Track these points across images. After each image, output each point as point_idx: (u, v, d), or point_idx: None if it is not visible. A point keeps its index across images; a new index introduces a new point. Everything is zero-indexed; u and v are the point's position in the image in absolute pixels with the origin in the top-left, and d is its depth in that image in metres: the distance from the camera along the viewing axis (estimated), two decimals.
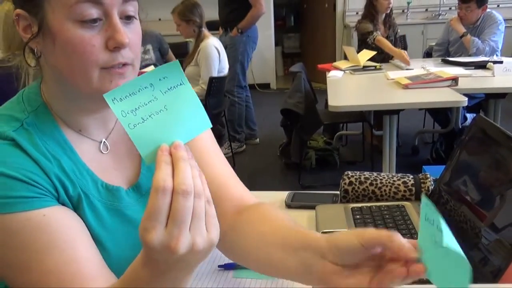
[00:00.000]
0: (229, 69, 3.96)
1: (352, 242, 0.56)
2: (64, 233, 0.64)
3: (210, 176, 0.77)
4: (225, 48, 3.97)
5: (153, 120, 0.51)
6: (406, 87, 2.73)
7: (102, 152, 0.76)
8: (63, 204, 0.68)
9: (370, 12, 3.88)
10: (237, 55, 3.95)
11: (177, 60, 0.54)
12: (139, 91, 0.51)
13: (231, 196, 0.80)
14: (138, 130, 0.51)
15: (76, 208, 0.70)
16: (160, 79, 0.52)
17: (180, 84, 0.53)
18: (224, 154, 0.79)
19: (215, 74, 3.49)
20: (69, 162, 0.70)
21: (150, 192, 0.49)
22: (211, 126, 0.55)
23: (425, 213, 0.51)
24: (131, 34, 0.67)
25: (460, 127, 3.57)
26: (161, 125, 0.52)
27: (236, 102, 4.08)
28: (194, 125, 0.54)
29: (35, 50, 0.69)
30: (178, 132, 0.53)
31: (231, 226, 0.76)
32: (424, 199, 0.51)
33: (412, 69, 3.33)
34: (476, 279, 0.80)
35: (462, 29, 3.73)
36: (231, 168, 0.85)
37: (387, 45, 3.76)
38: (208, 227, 0.52)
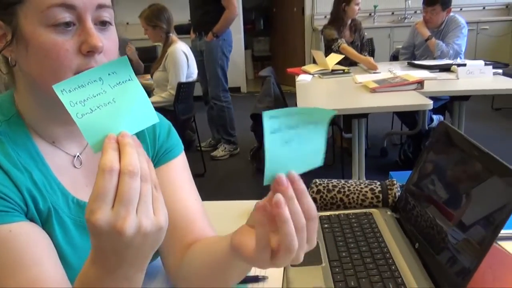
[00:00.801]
0: (211, 75, 3.93)
1: None
2: (30, 250, 0.62)
3: (180, 209, 0.79)
4: (201, 53, 3.93)
5: (101, 111, 0.53)
6: (373, 90, 2.76)
7: (75, 167, 0.75)
8: (31, 219, 0.66)
9: (339, 17, 3.91)
10: (217, 60, 3.92)
11: (126, 56, 0.56)
12: (88, 84, 0.53)
13: (195, 231, 0.80)
14: (86, 119, 0.52)
15: (45, 223, 0.68)
16: (109, 74, 0.54)
17: (129, 80, 0.54)
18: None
19: (183, 79, 3.44)
20: (40, 175, 0.69)
21: (96, 174, 0.49)
22: (158, 120, 0.56)
23: (270, 127, 0.52)
24: (105, 40, 0.66)
25: (427, 128, 3.65)
26: (109, 116, 0.53)
27: (225, 107, 4.06)
28: (141, 118, 0.55)
29: (9, 58, 0.68)
30: (125, 123, 0.54)
31: (184, 258, 0.77)
32: (264, 113, 0.51)
33: (379, 72, 3.38)
34: (444, 284, 0.81)
35: (427, 33, 3.81)
36: (200, 200, 0.85)
37: (352, 52, 3.80)
38: (155, 210, 0.51)
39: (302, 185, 0.53)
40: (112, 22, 0.68)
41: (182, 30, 4.75)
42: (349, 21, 3.97)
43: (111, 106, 0.53)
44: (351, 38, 4.01)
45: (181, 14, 4.92)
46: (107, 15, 0.67)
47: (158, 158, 0.83)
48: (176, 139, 0.86)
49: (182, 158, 0.86)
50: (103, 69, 0.53)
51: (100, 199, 0.48)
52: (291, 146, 0.54)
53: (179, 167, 0.84)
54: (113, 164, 0.49)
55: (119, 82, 0.54)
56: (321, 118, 0.55)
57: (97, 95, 0.53)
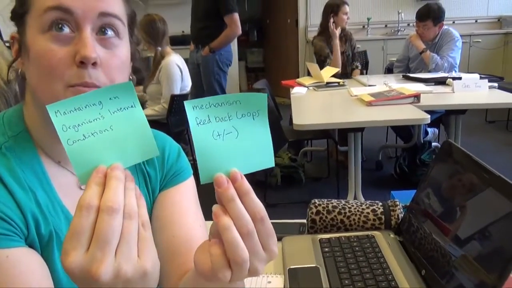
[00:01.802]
0: (207, 88, 3.86)
1: None
2: (25, 278, 0.59)
3: (182, 235, 0.75)
4: (198, 66, 3.88)
5: (95, 138, 0.48)
6: (369, 104, 2.73)
7: (80, 188, 0.71)
8: (31, 244, 0.64)
9: (329, 27, 3.91)
10: (213, 74, 3.85)
11: (130, 81, 0.52)
12: (85, 107, 0.48)
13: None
14: (77, 147, 0.48)
15: (45, 247, 0.65)
16: (110, 98, 0.49)
17: (131, 107, 0.50)
18: None
19: (177, 92, 3.38)
20: (44, 196, 0.65)
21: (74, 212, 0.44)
22: (158, 154, 0.51)
23: (195, 118, 0.48)
24: (104, 53, 0.61)
25: (422, 141, 3.62)
26: (103, 145, 0.48)
27: None
28: (140, 150, 0.50)
29: (19, 71, 0.65)
30: (120, 154, 0.49)
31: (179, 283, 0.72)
32: (186, 103, 0.48)
33: (375, 85, 3.36)
34: None
35: (421, 46, 3.80)
36: (205, 226, 0.80)
37: (336, 60, 3.85)
38: (140, 252, 0.46)
39: (246, 184, 0.49)
40: (120, 34, 0.63)
41: (175, 41, 4.71)
42: (339, 31, 3.96)
43: (107, 134, 0.48)
44: (342, 48, 3.99)
45: (175, 25, 4.88)
46: (112, 25, 0.62)
47: (166, 181, 0.80)
48: (185, 162, 0.84)
49: (191, 182, 0.83)
50: (104, 92, 0.49)
51: (75, 239, 0.44)
52: (228, 140, 0.49)
53: (187, 191, 0.82)
54: (92, 200, 0.44)
55: (120, 108, 0.49)
56: (256, 106, 0.50)
57: (93, 120, 0.48)
